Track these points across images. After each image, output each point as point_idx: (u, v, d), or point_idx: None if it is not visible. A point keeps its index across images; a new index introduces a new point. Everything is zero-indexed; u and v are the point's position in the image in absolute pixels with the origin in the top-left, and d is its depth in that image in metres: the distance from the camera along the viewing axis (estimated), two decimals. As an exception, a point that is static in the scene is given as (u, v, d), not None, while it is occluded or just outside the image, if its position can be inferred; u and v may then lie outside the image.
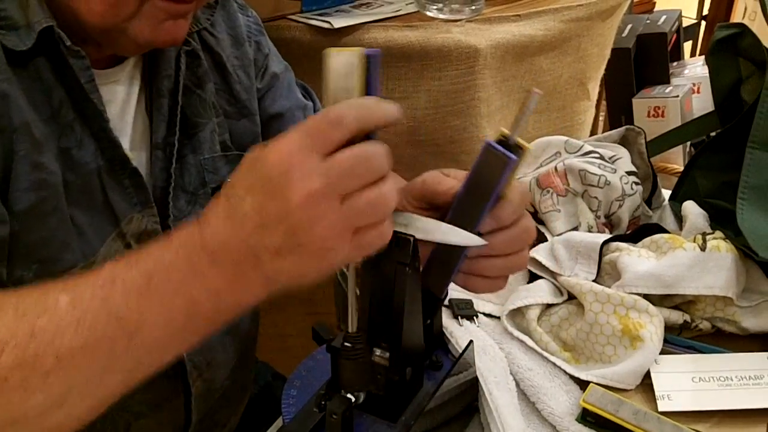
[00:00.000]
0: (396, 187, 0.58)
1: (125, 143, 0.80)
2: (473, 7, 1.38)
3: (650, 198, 1.18)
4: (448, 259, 0.74)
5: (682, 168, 1.35)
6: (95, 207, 0.77)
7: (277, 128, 1.00)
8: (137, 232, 0.80)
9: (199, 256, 0.57)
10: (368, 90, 0.59)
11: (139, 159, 0.83)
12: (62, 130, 0.73)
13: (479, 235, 0.69)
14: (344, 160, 0.54)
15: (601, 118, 2.09)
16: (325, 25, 1.30)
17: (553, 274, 0.98)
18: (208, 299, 0.58)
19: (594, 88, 1.67)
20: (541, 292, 0.96)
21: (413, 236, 0.66)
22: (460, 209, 0.71)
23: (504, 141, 0.66)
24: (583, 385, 0.85)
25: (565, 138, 1.17)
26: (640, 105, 1.67)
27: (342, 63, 0.58)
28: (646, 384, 0.84)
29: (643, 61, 1.74)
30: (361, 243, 0.56)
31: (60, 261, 0.74)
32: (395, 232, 0.65)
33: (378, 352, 0.70)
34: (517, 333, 0.92)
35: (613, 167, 1.11)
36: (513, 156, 0.64)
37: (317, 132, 0.54)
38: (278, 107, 1.00)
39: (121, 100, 0.81)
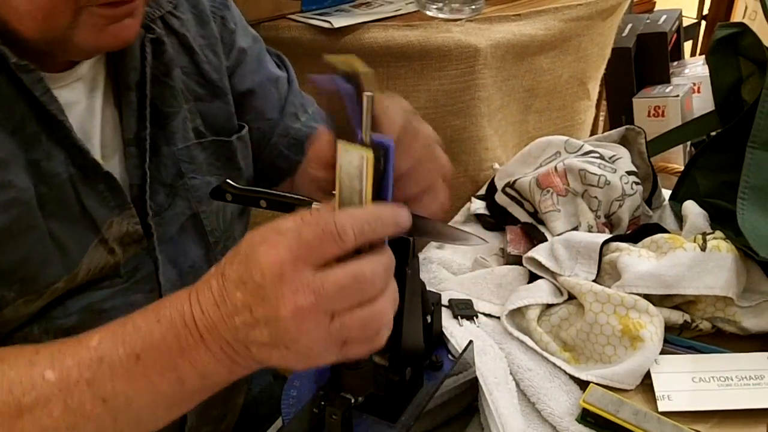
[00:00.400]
0: (393, 301, 0.58)
1: (96, 143, 0.79)
2: (473, 7, 1.38)
3: (650, 198, 1.18)
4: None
5: (682, 168, 1.35)
6: (73, 217, 0.75)
7: (250, 105, 0.97)
8: (119, 236, 0.79)
9: (188, 336, 0.57)
10: (381, 185, 0.59)
11: (112, 158, 0.81)
12: (29, 143, 0.71)
13: None
14: (337, 280, 0.54)
15: (601, 118, 2.09)
16: (325, 25, 1.30)
17: (553, 274, 0.98)
18: (196, 378, 0.58)
19: (594, 88, 1.67)
20: (540, 292, 0.96)
21: (412, 236, 0.65)
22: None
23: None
24: (583, 385, 0.84)
25: (565, 138, 1.17)
26: (640, 104, 1.67)
27: (352, 163, 0.57)
28: (646, 384, 0.84)
29: (643, 61, 1.74)
30: (349, 353, 0.57)
31: (42, 278, 0.72)
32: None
33: (378, 352, 0.70)
34: (517, 333, 0.92)
35: (613, 167, 1.11)
36: (346, 85, 0.57)
37: (314, 245, 0.54)
38: (249, 83, 0.96)
39: (86, 98, 0.78)
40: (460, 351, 0.81)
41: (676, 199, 1.16)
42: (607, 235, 1.02)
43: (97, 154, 0.78)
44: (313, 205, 0.73)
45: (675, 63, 1.83)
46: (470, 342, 0.81)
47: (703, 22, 2.83)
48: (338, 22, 1.30)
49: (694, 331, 0.93)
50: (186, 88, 0.87)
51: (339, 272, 0.54)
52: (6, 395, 0.56)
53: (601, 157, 1.12)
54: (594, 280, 0.95)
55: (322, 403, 0.69)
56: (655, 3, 2.33)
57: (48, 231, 0.72)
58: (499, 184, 1.18)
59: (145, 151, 0.81)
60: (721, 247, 0.93)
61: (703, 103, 1.66)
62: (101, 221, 0.76)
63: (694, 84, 1.71)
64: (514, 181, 1.15)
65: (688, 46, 2.63)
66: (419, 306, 0.71)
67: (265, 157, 1.00)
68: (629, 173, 1.11)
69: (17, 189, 0.69)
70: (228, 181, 0.77)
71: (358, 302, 0.55)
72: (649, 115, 1.66)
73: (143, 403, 0.58)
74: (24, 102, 0.70)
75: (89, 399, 0.57)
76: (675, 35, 1.85)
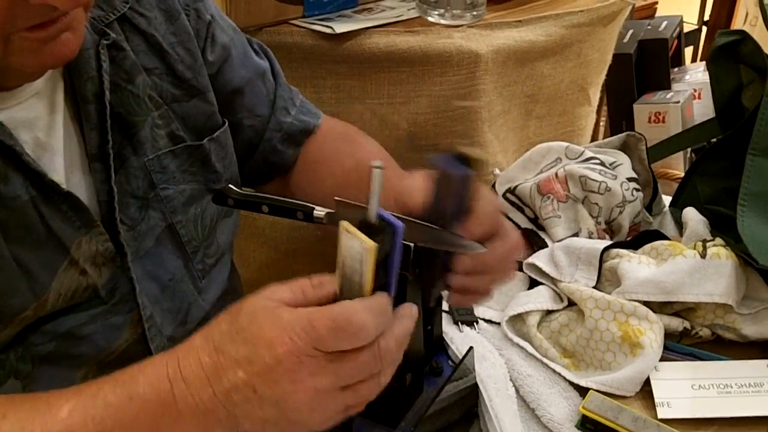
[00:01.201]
0: (393, 369, 0.60)
1: (58, 160, 0.74)
2: (474, 13, 1.38)
3: (650, 204, 1.18)
4: (430, 268, 0.73)
5: (682, 174, 1.35)
6: (39, 240, 0.71)
7: (239, 103, 0.93)
8: (90, 256, 0.75)
9: (166, 416, 0.57)
10: (386, 264, 0.59)
11: (76, 175, 0.76)
12: None
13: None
14: (356, 366, 0.56)
15: (602, 124, 2.09)
16: (327, 30, 1.30)
17: (554, 281, 0.98)
18: None
19: (595, 94, 1.67)
20: (541, 298, 0.96)
21: (413, 244, 0.66)
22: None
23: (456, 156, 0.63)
24: (582, 391, 0.85)
25: (565, 144, 1.17)
26: (641, 110, 1.67)
27: (353, 248, 0.57)
28: (645, 391, 0.85)
29: (644, 67, 1.74)
30: (346, 414, 0.59)
31: (7, 307, 0.69)
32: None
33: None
34: (517, 339, 0.92)
35: (614, 173, 1.11)
36: (466, 170, 0.59)
37: (327, 341, 0.55)
38: (237, 80, 0.92)
39: (46, 113, 0.73)
40: (460, 356, 0.81)
41: (677, 206, 1.16)
42: (607, 242, 1.02)
43: (60, 171, 0.74)
44: (315, 210, 0.73)
45: (676, 69, 1.84)
46: (471, 348, 0.81)
47: (704, 29, 2.84)
48: (340, 27, 1.31)
49: (693, 338, 0.93)
50: (158, 91, 0.83)
51: (359, 358, 0.56)
52: None
53: (602, 164, 1.12)
54: (594, 287, 0.95)
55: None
56: (656, 9, 2.33)
57: (13, 258, 0.69)
58: (500, 189, 1.18)
59: (110, 166, 0.76)
60: (721, 254, 0.93)
61: (703, 110, 1.66)
62: (69, 242, 0.73)
63: (695, 90, 1.71)
64: (515, 187, 1.15)
65: (688, 52, 2.63)
66: (420, 313, 0.71)
67: (258, 154, 0.98)
68: (630, 180, 1.11)
69: None
70: (230, 186, 0.77)
71: (373, 374, 0.57)
72: (649, 121, 1.67)
73: None
74: None
75: None
76: (676, 41, 1.85)
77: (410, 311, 0.62)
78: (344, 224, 0.56)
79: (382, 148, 0.98)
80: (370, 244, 0.55)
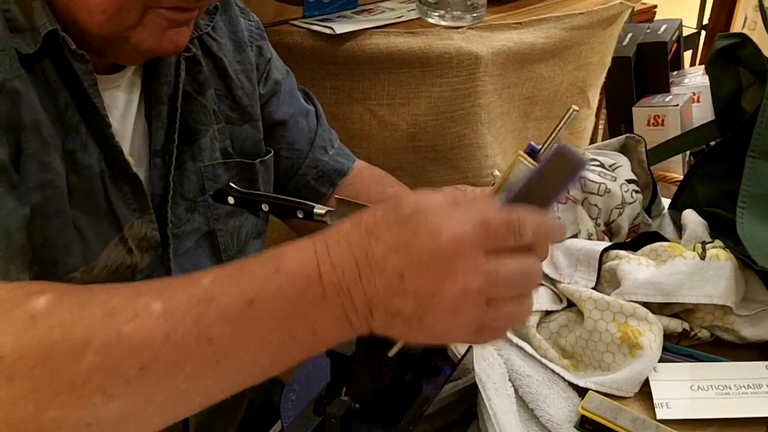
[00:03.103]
0: (533, 302, 0.58)
1: (125, 149, 0.80)
2: (474, 14, 1.39)
3: (650, 206, 1.18)
4: None
5: (681, 176, 1.35)
6: (98, 211, 0.77)
7: (281, 135, 0.99)
8: (138, 238, 0.80)
9: (308, 291, 0.54)
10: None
11: (138, 166, 0.82)
12: (67, 132, 0.73)
13: None
14: (511, 270, 0.53)
15: (600, 126, 2.10)
16: (327, 31, 1.30)
17: (553, 281, 0.98)
18: (308, 334, 0.55)
19: (594, 96, 1.67)
20: (540, 299, 0.96)
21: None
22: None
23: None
24: (581, 392, 0.85)
25: (565, 145, 1.17)
26: (639, 113, 1.67)
27: (520, 172, 0.58)
28: (644, 392, 0.85)
29: (643, 70, 1.74)
30: (479, 339, 0.56)
31: (61, 264, 0.73)
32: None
33: (377, 357, 0.70)
34: (516, 339, 0.92)
35: (614, 175, 1.11)
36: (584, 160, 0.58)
37: (496, 232, 0.53)
38: (282, 114, 0.99)
39: (122, 106, 0.81)
40: (459, 356, 0.81)
41: (676, 208, 1.17)
42: (606, 243, 1.02)
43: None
44: (315, 208, 0.73)
45: (675, 72, 1.84)
46: (470, 347, 0.81)
47: (703, 32, 2.84)
48: (340, 28, 1.31)
49: (692, 339, 0.93)
50: (218, 109, 0.90)
51: (512, 262, 0.53)
52: (107, 320, 0.53)
53: (602, 165, 1.12)
54: (593, 288, 0.95)
55: (322, 408, 0.70)
56: (655, 12, 2.34)
57: (73, 220, 0.74)
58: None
59: (171, 163, 0.83)
60: (720, 255, 0.93)
61: (702, 113, 1.66)
62: (124, 220, 0.78)
63: (694, 93, 1.71)
64: (514, 188, 1.15)
65: (687, 55, 2.64)
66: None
67: (291, 187, 1.03)
68: (629, 181, 1.11)
69: (54, 172, 0.71)
70: (231, 184, 0.77)
71: (518, 294, 0.55)
72: (648, 124, 1.67)
73: (249, 351, 0.54)
74: (68, 92, 0.72)
75: (195, 335, 0.53)
76: (675, 45, 1.85)
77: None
78: (560, 146, 0.56)
79: (410, 190, 0.97)
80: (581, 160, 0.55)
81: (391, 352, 0.63)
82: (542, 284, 0.99)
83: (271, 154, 0.97)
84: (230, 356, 0.54)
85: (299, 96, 1.04)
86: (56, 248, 0.73)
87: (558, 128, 0.59)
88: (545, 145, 0.64)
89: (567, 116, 0.58)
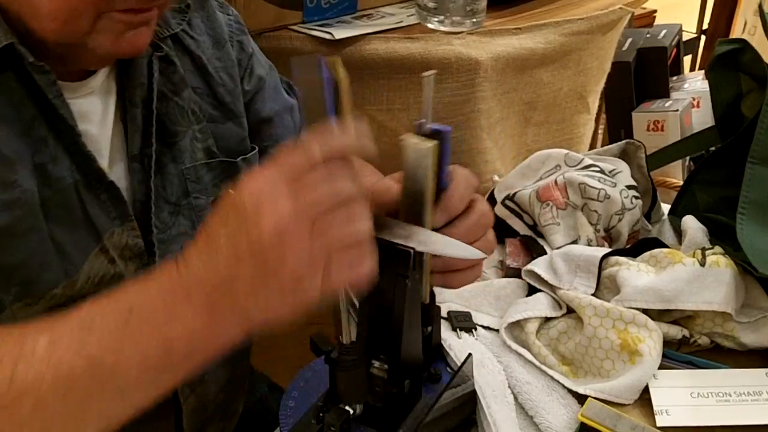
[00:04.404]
0: (366, 209, 0.57)
1: (104, 156, 0.79)
2: (474, 20, 1.38)
3: (649, 212, 1.18)
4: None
5: (680, 182, 1.35)
6: (75, 223, 0.75)
7: (267, 132, 0.99)
8: (119, 247, 0.79)
9: (174, 294, 0.57)
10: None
11: (117, 172, 0.80)
12: (36, 146, 0.71)
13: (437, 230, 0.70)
14: (311, 182, 0.54)
15: (600, 132, 2.10)
16: (327, 36, 1.30)
17: (552, 288, 0.98)
18: (184, 339, 0.57)
19: (594, 102, 1.67)
20: (539, 305, 0.96)
21: (413, 248, 0.65)
22: (406, 212, 0.70)
23: (421, 131, 0.66)
24: (581, 399, 0.84)
25: (565, 151, 1.17)
26: (639, 119, 1.67)
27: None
28: (644, 399, 0.84)
29: (642, 75, 1.74)
30: (334, 274, 0.56)
31: (41, 282, 0.72)
32: (394, 244, 0.65)
33: (376, 364, 0.70)
34: (515, 346, 0.92)
35: (613, 181, 1.11)
36: (429, 144, 0.61)
37: (282, 164, 0.55)
38: (267, 111, 0.98)
39: (99, 111, 0.79)
40: (458, 363, 0.81)
41: (675, 214, 1.16)
42: (606, 249, 1.02)
43: (104, 165, 0.78)
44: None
45: (674, 78, 1.84)
46: (469, 355, 0.80)
47: (703, 37, 2.85)
48: (339, 33, 1.31)
49: (692, 346, 0.93)
50: (199, 108, 0.88)
51: (312, 174, 0.55)
52: (7, 371, 0.56)
53: (601, 171, 1.12)
54: (593, 294, 0.95)
55: (321, 414, 0.69)
56: (655, 17, 2.34)
57: (49, 234, 0.72)
58: (499, 196, 1.18)
59: (150, 168, 0.81)
60: (720, 262, 0.93)
61: (702, 118, 1.66)
62: (103, 229, 0.76)
63: (694, 99, 1.71)
64: (514, 194, 1.15)
65: (687, 60, 2.64)
66: (419, 318, 0.71)
67: None
68: (629, 187, 1.11)
69: (21, 189, 0.69)
70: (230, 190, 0.77)
71: (336, 203, 0.55)
72: (648, 130, 1.67)
73: (132, 365, 0.57)
74: (34, 104, 0.70)
75: (80, 360, 0.56)
76: (675, 50, 1.85)
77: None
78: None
79: (376, 170, 1.01)
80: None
81: (344, 337, 0.65)
82: (542, 290, 0.99)
83: (255, 151, 0.95)
84: (117, 375, 0.57)
85: (282, 91, 1.03)
86: (34, 267, 0.71)
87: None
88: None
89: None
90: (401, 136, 0.65)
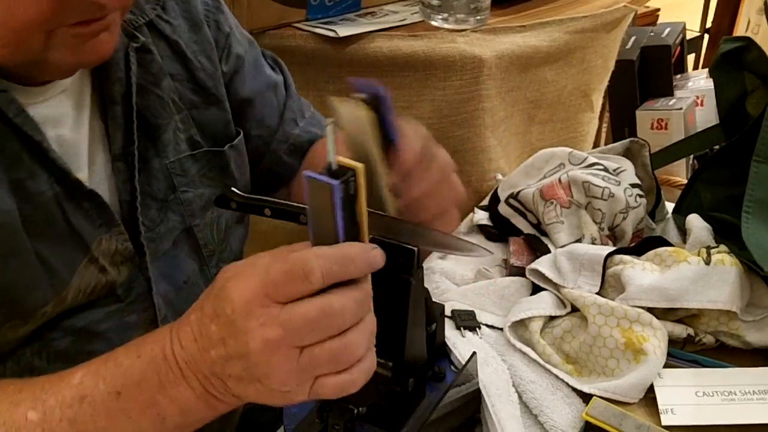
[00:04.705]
0: (368, 335, 0.57)
1: (83, 160, 0.76)
2: (478, 17, 1.38)
3: (653, 210, 1.18)
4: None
5: (684, 180, 1.35)
6: (60, 236, 0.72)
7: (249, 113, 0.95)
8: (109, 254, 0.76)
9: (168, 372, 0.58)
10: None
11: (99, 174, 0.77)
12: (11, 163, 0.68)
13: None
14: (304, 313, 0.54)
15: (604, 130, 2.09)
16: (330, 34, 1.30)
17: (556, 286, 0.98)
18: (177, 415, 0.59)
19: (598, 100, 1.67)
20: (543, 304, 0.95)
21: (417, 247, 0.65)
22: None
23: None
24: (585, 398, 0.84)
25: (569, 150, 1.17)
26: (643, 117, 1.67)
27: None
28: (649, 398, 0.84)
29: (646, 73, 1.74)
30: (321, 390, 0.57)
31: (28, 302, 0.70)
32: (398, 243, 0.65)
33: (381, 362, 0.69)
34: (519, 345, 0.92)
35: (617, 179, 1.10)
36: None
37: (281, 283, 0.54)
38: (248, 91, 0.94)
39: (72, 113, 0.75)
40: (462, 362, 0.81)
41: (680, 212, 1.16)
42: (610, 248, 1.02)
43: (84, 169, 0.76)
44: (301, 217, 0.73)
45: (678, 76, 1.84)
46: (474, 353, 0.80)
47: (707, 35, 2.84)
48: (343, 31, 1.30)
49: (697, 344, 0.93)
50: (180, 96, 0.85)
51: (307, 305, 0.54)
52: None
53: (605, 170, 1.12)
54: (597, 293, 0.94)
55: (325, 413, 0.69)
56: (658, 16, 2.34)
57: (35, 253, 0.70)
58: (503, 195, 1.18)
59: (134, 166, 0.78)
60: (725, 261, 0.92)
61: (706, 116, 1.66)
62: (90, 239, 0.74)
63: (698, 97, 1.71)
64: (518, 193, 1.15)
65: (690, 58, 2.63)
66: (423, 317, 0.71)
67: (264, 164, 0.99)
68: (633, 186, 1.11)
69: (1, 211, 0.67)
70: (233, 189, 0.76)
71: (328, 335, 0.55)
72: (652, 128, 1.67)
73: None
74: (1, 122, 0.68)
75: None
76: (678, 48, 1.85)
77: (360, 253, 0.57)
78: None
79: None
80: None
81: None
82: (546, 289, 0.99)
83: (241, 136, 0.92)
84: None
85: (265, 68, 0.99)
86: (21, 287, 0.69)
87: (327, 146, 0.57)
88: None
89: (328, 134, 0.56)
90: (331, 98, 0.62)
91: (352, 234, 0.57)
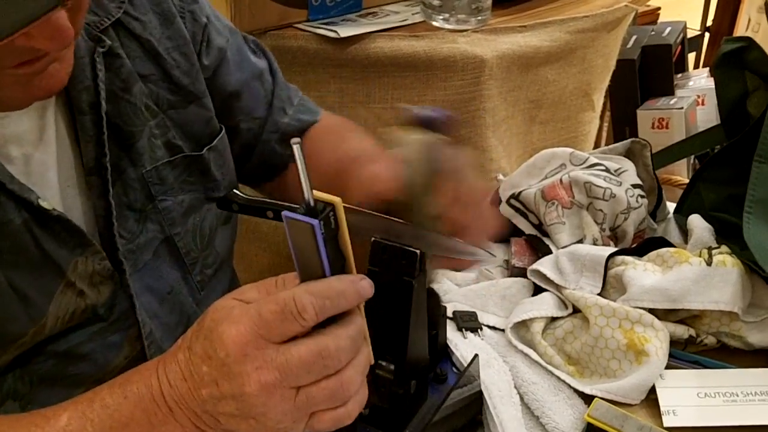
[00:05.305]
0: (362, 369, 0.58)
1: (51, 176, 0.72)
2: (479, 18, 1.38)
3: (655, 210, 1.18)
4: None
5: (685, 180, 1.35)
6: (34, 264, 0.69)
7: (236, 107, 0.92)
8: (86, 276, 0.73)
9: (156, 411, 0.57)
10: (337, 243, 0.56)
11: (72, 190, 0.74)
12: None
13: None
14: (300, 356, 0.54)
15: (605, 130, 2.09)
16: (332, 34, 1.30)
17: (558, 287, 0.98)
18: None
19: (599, 99, 1.67)
20: (545, 305, 0.95)
21: (419, 250, 0.65)
22: (404, 203, 0.69)
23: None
24: (587, 399, 0.84)
25: (570, 150, 1.17)
26: (644, 116, 1.67)
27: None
28: (651, 399, 0.84)
29: (647, 73, 1.74)
30: (317, 425, 0.57)
31: (6, 333, 0.68)
32: (401, 246, 0.65)
33: (383, 364, 0.69)
34: (521, 346, 0.92)
35: (619, 180, 1.10)
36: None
37: (275, 324, 0.54)
38: (234, 84, 0.91)
39: (35, 129, 0.71)
40: (464, 363, 0.81)
41: (681, 212, 1.16)
42: (612, 249, 1.02)
43: (54, 187, 0.73)
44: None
45: (679, 75, 1.83)
46: (476, 355, 0.80)
47: (707, 34, 2.84)
48: (345, 31, 1.31)
49: (699, 345, 0.93)
50: (155, 99, 0.81)
51: (302, 348, 0.54)
52: None
53: (607, 170, 1.12)
54: (599, 294, 0.94)
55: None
56: (659, 15, 2.34)
57: (8, 283, 0.68)
58: (504, 195, 1.18)
59: (107, 180, 0.75)
60: (726, 261, 0.92)
61: (707, 116, 1.66)
62: (65, 264, 0.71)
63: (699, 96, 1.71)
64: (519, 193, 1.15)
65: (691, 57, 2.63)
66: (425, 320, 0.71)
67: (256, 156, 0.97)
68: (634, 186, 1.11)
69: None
70: (235, 191, 0.76)
71: (324, 375, 0.55)
72: (653, 127, 1.66)
73: None
74: None
75: None
76: (679, 47, 1.85)
77: (352, 293, 0.57)
78: (285, 213, 0.55)
79: (368, 140, 0.93)
80: (313, 222, 0.53)
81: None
82: (547, 290, 0.99)
83: (222, 133, 0.88)
84: None
85: (249, 56, 0.95)
86: None
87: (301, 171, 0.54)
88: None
89: (298, 157, 0.54)
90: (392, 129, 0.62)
91: (339, 265, 0.57)
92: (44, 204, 0.69)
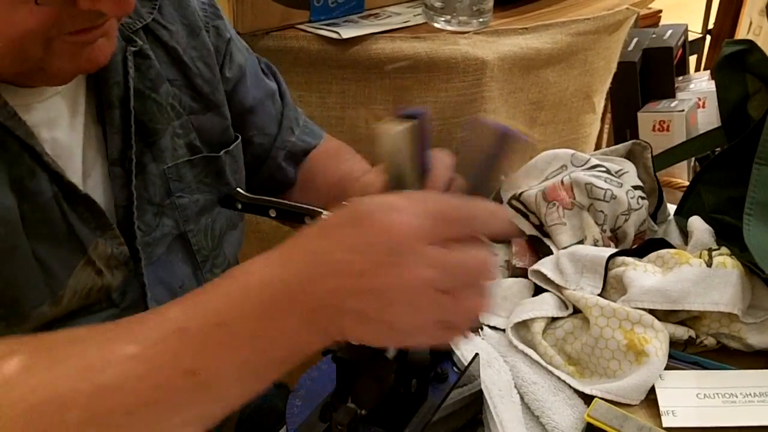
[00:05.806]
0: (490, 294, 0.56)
1: (77, 161, 0.76)
2: (481, 20, 1.39)
3: (655, 212, 1.18)
4: None
5: (686, 182, 1.35)
6: (59, 237, 0.72)
7: (251, 121, 0.96)
8: (104, 257, 0.76)
9: (278, 301, 0.53)
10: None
11: (95, 178, 0.78)
12: (12, 161, 0.68)
13: None
14: (461, 259, 0.53)
15: (606, 132, 2.10)
16: (334, 35, 1.30)
17: (559, 288, 0.98)
18: (283, 346, 0.54)
19: (600, 102, 1.67)
20: (546, 305, 0.96)
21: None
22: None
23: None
24: (587, 399, 0.84)
25: (571, 151, 1.17)
26: (645, 119, 1.67)
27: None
28: (650, 399, 0.84)
29: (648, 75, 1.74)
30: (438, 336, 0.55)
31: (26, 301, 0.70)
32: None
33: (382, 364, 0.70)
34: (521, 346, 0.92)
35: (620, 181, 1.11)
36: (401, 126, 0.57)
37: (443, 222, 0.53)
38: (251, 100, 0.96)
39: (67, 114, 0.75)
40: (465, 363, 0.81)
41: (682, 214, 1.16)
42: (612, 250, 1.02)
43: (78, 172, 0.76)
44: (323, 214, 0.73)
45: (680, 78, 1.84)
46: (476, 355, 0.81)
47: (708, 37, 2.84)
48: (346, 32, 1.31)
49: (698, 346, 0.93)
50: (179, 102, 0.85)
51: (461, 252, 0.53)
52: (84, 373, 0.52)
53: (608, 171, 1.12)
54: (599, 295, 0.95)
55: (329, 413, 0.69)
56: (660, 17, 2.34)
57: (32, 252, 0.70)
58: (505, 196, 1.18)
59: (131, 171, 0.78)
60: (726, 263, 0.93)
61: (707, 118, 1.66)
62: (87, 241, 0.74)
63: (699, 99, 1.71)
64: (520, 194, 1.15)
65: (692, 60, 2.63)
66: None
67: (264, 170, 1.01)
68: (635, 188, 1.11)
69: (2, 207, 0.67)
70: (238, 189, 0.77)
71: (473, 284, 0.54)
72: (654, 130, 1.67)
73: (231, 374, 0.54)
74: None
75: (174, 373, 0.53)
76: (680, 50, 1.85)
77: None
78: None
79: (365, 162, 1.00)
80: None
81: (390, 354, 0.63)
82: (548, 290, 0.99)
83: (238, 141, 0.92)
84: (213, 383, 0.54)
85: (262, 76, 1.00)
86: (18, 286, 0.69)
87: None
88: None
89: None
90: (375, 124, 0.63)
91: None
92: (74, 179, 0.73)
